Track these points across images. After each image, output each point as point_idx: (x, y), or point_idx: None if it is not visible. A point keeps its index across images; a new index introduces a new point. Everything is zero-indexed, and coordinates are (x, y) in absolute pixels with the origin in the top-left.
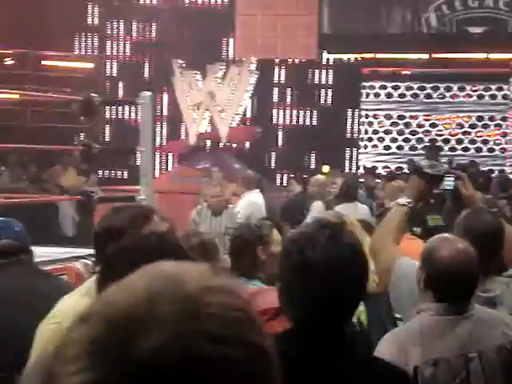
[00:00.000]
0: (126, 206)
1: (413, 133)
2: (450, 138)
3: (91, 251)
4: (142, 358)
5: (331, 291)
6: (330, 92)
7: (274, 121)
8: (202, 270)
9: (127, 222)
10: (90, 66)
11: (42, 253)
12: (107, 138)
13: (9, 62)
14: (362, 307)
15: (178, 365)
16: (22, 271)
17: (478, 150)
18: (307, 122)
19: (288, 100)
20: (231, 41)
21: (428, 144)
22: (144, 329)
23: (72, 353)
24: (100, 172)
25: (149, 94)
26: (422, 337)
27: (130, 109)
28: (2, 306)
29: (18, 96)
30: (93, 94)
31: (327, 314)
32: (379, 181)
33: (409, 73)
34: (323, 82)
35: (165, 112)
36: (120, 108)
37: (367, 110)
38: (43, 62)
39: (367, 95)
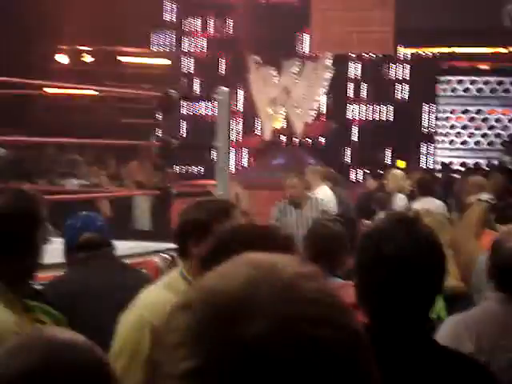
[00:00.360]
0: (209, 200)
1: (491, 128)
2: None
3: (169, 245)
4: (247, 343)
5: (407, 285)
6: (406, 87)
7: (350, 116)
8: (292, 259)
9: (211, 216)
10: (167, 62)
11: (121, 247)
12: (183, 134)
13: (88, 58)
14: (441, 303)
15: (283, 348)
16: (105, 265)
17: None
18: (383, 117)
19: (363, 95)
20: (307, 36)
21: (507, 139)
22: (247, 314)
23: (175, 340)
24: (177, 167)
25: (226, 89)
26: (480, 324)
27: (205, 105)
28: (90, 300)
29: (96, 92)
30: (171, 90)
31: (404, 309)
32: (456, 176)
33: (487, 67)
34: (399, 76)
35: (240, 108)
36: (194, 104)
37: (444, 104)
38: (120, 59)
39: (444, 90)
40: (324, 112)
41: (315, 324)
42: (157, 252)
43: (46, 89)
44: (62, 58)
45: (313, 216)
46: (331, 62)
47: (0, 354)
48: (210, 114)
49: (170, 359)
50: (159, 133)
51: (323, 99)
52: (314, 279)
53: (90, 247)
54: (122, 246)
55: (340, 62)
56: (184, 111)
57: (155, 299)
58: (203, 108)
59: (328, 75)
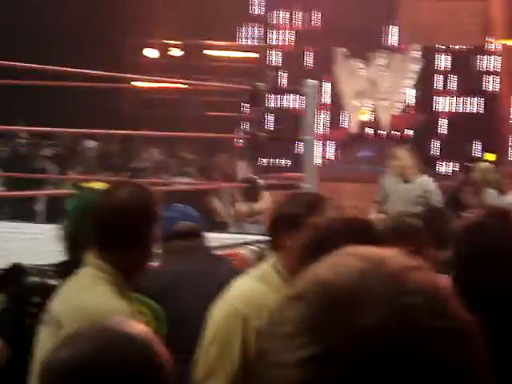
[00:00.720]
0: (301, 193)
1: None
2: None
3: (256, 238)
4: (363, 332)
5: (504, 281)
6: (496, 79)
7: (438, 108)
8: (397, 252)
9: (304, 209)
10: (254, 55)
11: (210, 239)
12: (269, 127)
13: (176, 52)
14: None
15: (399, 337)
16: (198, 255)
17: None
18: (472, 110)
19: (452, 87)
20: (394, 28)
21: None
22: (362, 304)
23: (289, 330)
24: (263, 160)
25: (314, 82)
26: None
27: (292, 97)
28: (183, 291)
29: (184, 86)
30: (259, 83)
31: (502, 306)
32: None
33: None
34: (490, 68)
35: (326, 100)
36: (281, 96)
37: None
38: (208, 52)
39: None
40: (412, 104)
41: (429, 314)
42: (245, 244)
43: (134, 82)
44: (151, 52)
45: (418, 194)
46: (419, 53)
47: (59, 341)
48: (296, 106)
49: (283, 349)
50: (246, 126)
51: (411, 91)
52: (422, 271)
53: (185, 236)
54: (211, 238)
55: (428, 54)
56: (270, 104)
57: (248, 291)
58: (289, 101)
59: (416, 67)
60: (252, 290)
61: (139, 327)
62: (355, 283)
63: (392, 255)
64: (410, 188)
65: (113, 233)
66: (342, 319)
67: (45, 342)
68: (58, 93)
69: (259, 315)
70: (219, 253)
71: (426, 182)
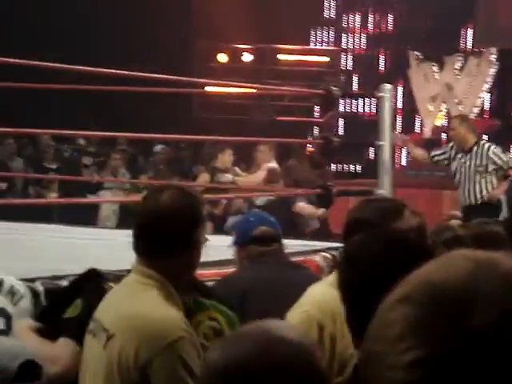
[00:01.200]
0: (378, 198)
1: None
2: None
3: (329, 244)
4: (476, 333)
5: None
6: None
7: None
8: (501, 254)
9: (378, 215)
10: (325, 59)
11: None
12: (340, 132)
13: (248, 57)
14: None
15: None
16: (276, 262)
17: None
18: None
19: None
20: (470, 31)
21: None
22: (474, 305)
23: (396, 332)
24: (333, 165)
25: (388, 86)
26: None
27: (363, 102)
28: (260, 298)
29: (255, 90)
30: (333, 87)
31: None
32: None
33: None
34: None
35: (399, 105)
36: (352, 101)
37: None
38: (279, 57)
39: None
40: (487, 109)
41: None
42: (318, 251)
43: (206, 87)
44: (222, 57)
45: (478, 163)
46: (496, 56)
47: (221, 342)
48: (367, 111)
49: (391, 351)
50: (317, 131)
51: (486, 95)
52: None
53: (264, 240)
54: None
55: (505, 57)
56: (341, 108)
57: (322, 297)
58: (361, 105)
59: (492, 71)
60: (325, 296)
61: (298, 331)
62: (467, 284)
63: (503, 257)
64: (469, 158)
65: (158, 238)
66: (454, 320)
67: (94, 352)
68: (129, 97)
69: (333, 321)
70: (294, 259)
71: (485, 149)
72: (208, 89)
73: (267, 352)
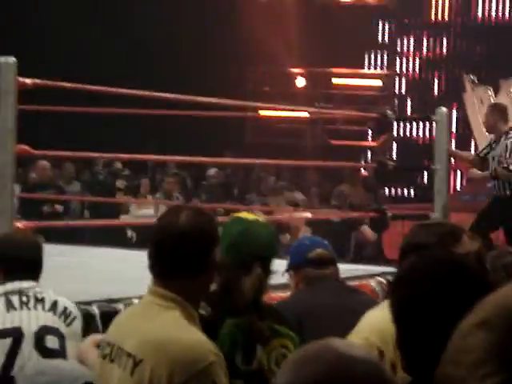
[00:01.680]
0: (435, 222)
1: None
2: None
3: (383, 269)
4: None
5: None
6: None
7: None
8: None
9: (435, 240)
10: (380, 83)
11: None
12: (393, 156)
13: (300, 81)
14: None
15: None
16: (332, 286)
17: None
18: None
19: None
20: None
21: None
22: None
23: (474, 358)
24: (386, 189)
25: (444, 110)
26: None
27: (417, 126)
28: (318, 322)
29: (308, 114)
30: (386, 111)
31: None
32: None
33: None
34: None
35: (454, 128)
36: (406, 125)
37: None
38: (334, 80)
39: None
40: None
41: None
42: (373, 275)
43: (259, 111)
44: (275, 81)
45: (499, 154)
46: None
47: (289, 364)
48: (421, 135)
49: (470, 377)
50: (369, 155)
51: None
52: None
53: (320, 263)
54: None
55: None
56: (394, 132)
57: (381, 322)
58: (414, 129)
59: None
60: (384, 322)
61: (363, 348)
62: None
63: None
64: (495, 147)
65: (175, 259)
66: None
67: (117, 378)
68: (181, 121)
69: (394, 348)
70: (349, 284)
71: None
72: (261, 113)
73: (342, 371)
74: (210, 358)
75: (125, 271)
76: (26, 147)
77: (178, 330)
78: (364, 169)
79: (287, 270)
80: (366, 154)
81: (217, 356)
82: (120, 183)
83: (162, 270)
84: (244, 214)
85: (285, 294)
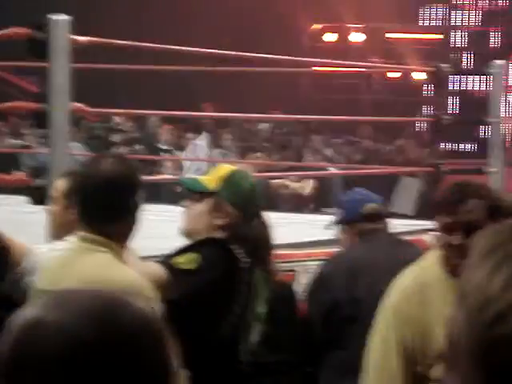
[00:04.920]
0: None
1: None
2: None
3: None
4: None
5: None
6: None
7: None
8: None
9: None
10: (436, 37)
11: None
12: (450, 110)
13: (356, 36)
14: None
15: None
16: (385, 239)
17: None
18: None
19: None
20: None
21: None
22: None
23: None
24: (443, 144)
25: (501, 62)
26: None
27: (476, 79)
28: (371, 276)
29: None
30: (443, 65)
31: None
32: None
33: None
34: None
35: (510, 82)
36: (463, 79)
37: None
38: (389, 35)
39: None
40: None
41: None
42: (427, 230)
43: (314, 67)
44: (331, 36)
45: None
46: None
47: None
48: (479, 89)
49: None
50: (427, 109)
51: None
52: None
53: (373, 218)
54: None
55: None
56: (451, 86)
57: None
58: (473, 83)
59: None
60: (426, 273)
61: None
62: None
63: None
64: None
65: (99, 205)
66: None
67: None
68: (237, 78)
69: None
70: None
71: None
72: (316, 69)
73: (103, 322)
74: (149, 294)
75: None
76: (81, 105)
77: (113, 270)
78: (421, 123)
79: (338, 224)
80: (422, 109)
81: (154, 292)
82: (116, 137)
83: (87, 216)
84: (239, 168)
85: (335, 249)
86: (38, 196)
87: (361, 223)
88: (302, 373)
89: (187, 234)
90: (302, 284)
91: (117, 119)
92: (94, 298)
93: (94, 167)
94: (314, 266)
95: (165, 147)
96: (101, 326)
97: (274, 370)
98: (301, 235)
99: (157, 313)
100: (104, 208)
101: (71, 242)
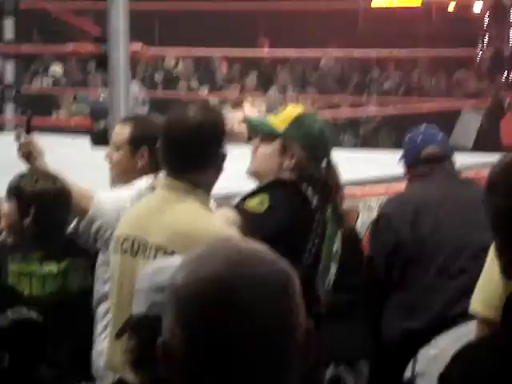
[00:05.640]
0: None
1: None
2: None
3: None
4: None
5: None
6: None
7: None
8: None
9: None
10: None
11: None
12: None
13: None
14: None
15: None
16: (446, 178)
17: None
18: None
19: None
20: None
21: None
22: None
23: None
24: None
25: None
26: None
27: None
28: (433, 214)
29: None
30: None
31: None
32: None
33: None
34: None
35: None
36: None
37: None
38: None
39: None
40: None
41: None
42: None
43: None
44: None
45: None
46: None
47: (186, 262)
48: None
49: None
50: (488, 41)
51: None
52: None
53: (434, 159)
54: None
55: None
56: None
57: None
58: None
59: None
60: None
61: (266, 248)
62: None
63: None
64: None
65: (186, 153)
66: None
67: (139, 271)
68: (295, 15)
69: None
70: (464, 175)
71: None
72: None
73: (241, 268)
74: None
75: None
76: (140, 45)
77: (201, 219)
78: (480, 55)
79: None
80: (483, 40)
81: None
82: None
83: (173, 164)
84: (304, 109)
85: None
86: (99, 138)
87: (422, 165)
88: (366, 314)
89: (254, 175)
90: (363, 223)
91: (175, 60)
92: (231, 251)
93: (181, 114)
94: (375, 203)
95: (227, 85)
96: (237, 274)
97: (344, 311)
98: (361, 172)
99: (290, 267)
100: (192, 156)
101: (156, 190)
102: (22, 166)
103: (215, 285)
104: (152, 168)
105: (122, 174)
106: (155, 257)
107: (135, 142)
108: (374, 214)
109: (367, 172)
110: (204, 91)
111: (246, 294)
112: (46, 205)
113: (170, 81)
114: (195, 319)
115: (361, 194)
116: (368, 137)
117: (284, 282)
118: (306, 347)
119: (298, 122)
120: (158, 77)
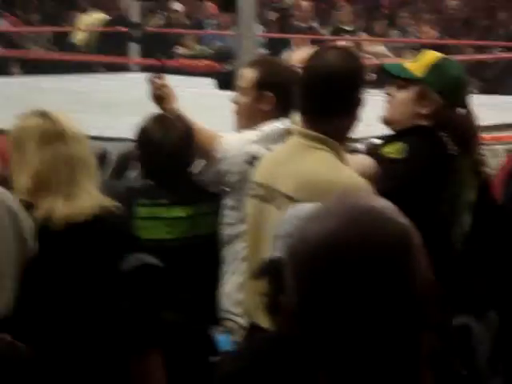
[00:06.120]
0: None
1: None
2: None
3: None
4: None
5: None
6: None
7: None
8: None
9: None
10: None
11: None
12: None
13: None
14: None
15: None
16: None
17: None
18: None
19: None
20: None
21: None
22: None
23: None
24: None
25: None
26: None
27: None
28: None
29: None
30: None
31: None
32: None
33: None
34: None
35: None
36: None
37: None
38: None
39: None
40: None
41: None
42: None
43: None
44: None
45: None
46: None
47: (312, 217)
48: None
49: None
50: None
51: None
52: None
53: None
54: None
55: None
56: None
57: None
58: None
59: None
60: None
61: (394, 207)
62: None
63: None
64: None
65: (324, 99)
66: None
67: (274, 219)
68: None
69: None
70: None
71: None
72: None
73: (350, 227)
74: None
75: None
76: None
77: (333, 170)
78: None
79: None
80: None
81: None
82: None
83: (310, 110)
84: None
85: None
86: (225, 80)
87: None
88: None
89: (389, 122)
90: (490, 169)
91: None
92: (353, 208)
93: (320, 59)
94: (502, 150)
95: (348, 28)
96: (363, 233)
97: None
98: (486, 118)
99: (411, 226)
100: (331, 104)
101: (290, 137)
102: (148, 105)
103: (329, 243)
104: (278, 113)
105: (248, 119)
106: (284, 205)
107: (262, 87)
108: (500, 161)
109: (492, 118)
110: (324, 33)
111: (362, 252)
112: (173, 152)
113: (287, 20)
114: (308, 278)
115: (488, 140)
116: (493, 82)
117: (404, 240)
118: (430, 300)
119: (437, 67)
120: (274, 15)
